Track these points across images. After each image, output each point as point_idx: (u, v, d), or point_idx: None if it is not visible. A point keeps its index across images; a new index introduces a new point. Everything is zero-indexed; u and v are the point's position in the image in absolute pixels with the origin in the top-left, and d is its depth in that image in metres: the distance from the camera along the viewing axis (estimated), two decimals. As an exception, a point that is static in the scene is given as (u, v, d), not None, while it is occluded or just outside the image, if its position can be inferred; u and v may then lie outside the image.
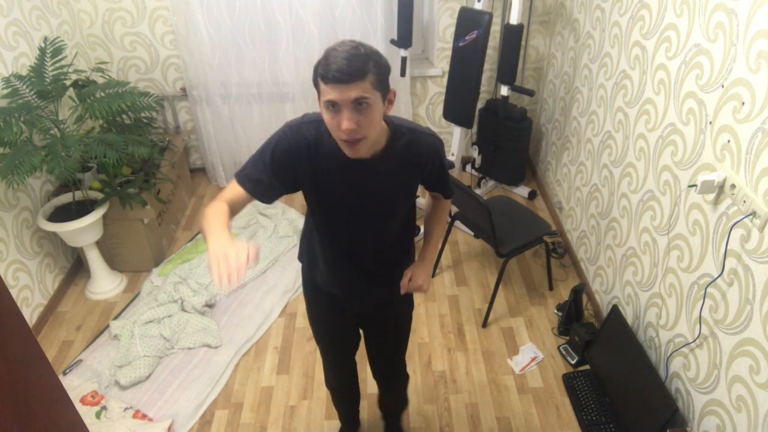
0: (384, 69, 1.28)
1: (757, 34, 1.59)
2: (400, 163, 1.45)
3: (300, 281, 3.02)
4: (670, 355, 2.11)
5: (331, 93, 1.23)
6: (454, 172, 3.39)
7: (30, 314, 2.74)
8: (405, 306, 1.84)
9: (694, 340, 1.95)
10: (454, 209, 3.40)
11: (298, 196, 3.73)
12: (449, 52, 3.52)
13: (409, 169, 1.49)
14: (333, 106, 1.25)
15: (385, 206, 1.53)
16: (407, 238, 1.72)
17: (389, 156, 1.42)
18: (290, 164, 1.41)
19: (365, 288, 1.69)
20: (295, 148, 1.40)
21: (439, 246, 1.91)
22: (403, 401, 2.20)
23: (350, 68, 1.20)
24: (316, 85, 1.29)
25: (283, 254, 3.20)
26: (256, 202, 3.55)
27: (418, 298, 2.93)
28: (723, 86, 1.76)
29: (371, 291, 1.70)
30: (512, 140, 3.48)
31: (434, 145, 1.50)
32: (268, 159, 1.41)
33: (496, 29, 3.45)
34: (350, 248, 1.59)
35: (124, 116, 2.86)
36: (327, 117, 1.29)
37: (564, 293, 2.95)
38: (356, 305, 1.77)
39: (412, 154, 1.46)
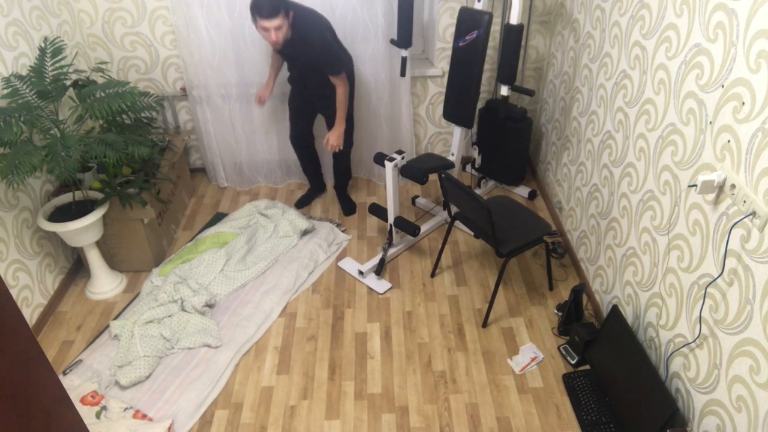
0: (287, 7, 2.63)
1: (757, 34, 1.59)
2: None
3: (299, 281, 3.03)
4: (670, 355, 2.11)
5: (264, 23, 2.59)
6: (454, 172, 3.39)
7: (30, 314, 2.74)
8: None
9: (694, 340, 1.95)
10: (455, 209, 3.40)
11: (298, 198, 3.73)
12: (449, 52, 3.52)
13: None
14: (265, 30, 2.62)
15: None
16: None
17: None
18: None
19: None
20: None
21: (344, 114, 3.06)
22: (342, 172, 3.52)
23: (273, 10, 2.55)
24: (254, 19, 2.61)
25: (283, 254, 3.20)
26: (257, 202, 3.56)
27: (417, 297, 2.94)
28: (723, 86, 1.76)
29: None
30: (512, 140, 3.48)
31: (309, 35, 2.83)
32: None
33: (496, 29, 3.45)
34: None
35: (124, 116, 2.86)
36: (262, 33, 2.67)
37: (564, 293, 2.95)
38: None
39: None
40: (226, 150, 3.70)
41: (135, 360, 2.54)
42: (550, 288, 2.97)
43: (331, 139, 3.08)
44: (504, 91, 3.07)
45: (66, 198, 2.85)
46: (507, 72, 2.98)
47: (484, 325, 2.77)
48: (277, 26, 2.59)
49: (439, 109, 3.75)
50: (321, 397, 2.46)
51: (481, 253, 3.23)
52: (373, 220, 3.52)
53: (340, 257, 3.23)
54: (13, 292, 2.64)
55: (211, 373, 2.54)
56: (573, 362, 2.55)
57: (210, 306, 2.88)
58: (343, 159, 3.45)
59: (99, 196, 2.87)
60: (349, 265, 3.15)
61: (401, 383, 2.51)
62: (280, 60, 3.17)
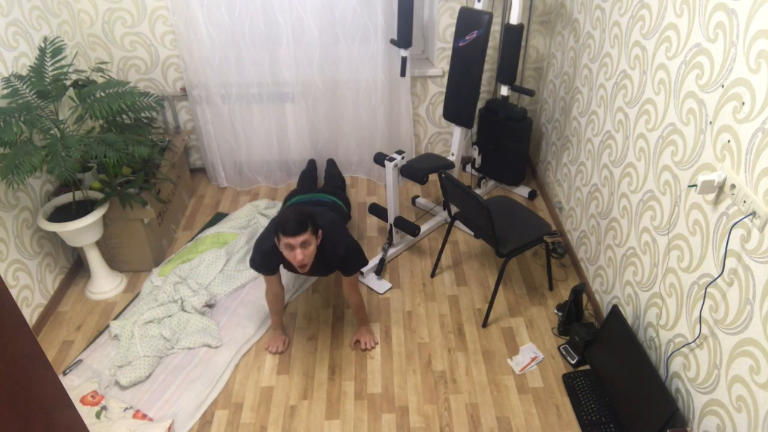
0: (316, 226, 2.20)
1: (757, 34, 1.59)
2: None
3: (299, 281, 3.03)
4: (670, 355, 2.11)
5: (289, 240, 2.12)
6: (454, 172, 3.39)
7: (30, 314, 2.74)
8: None
9: (694, 340, 1.95)
10: (455, 209, 3.40)
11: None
12: (449, 52, 3.52)
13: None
14: (290, 246, 2.15)
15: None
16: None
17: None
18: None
19: None
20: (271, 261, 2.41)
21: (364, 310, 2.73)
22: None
23: (300, 226, 2.11)
24: (278, 238, 2.17)
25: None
26: (257, 202, 3.57)
27: (417, 297, 2.94)
28: (723, 86, 1.76)
29: None
30: (512, 140, 3.48)
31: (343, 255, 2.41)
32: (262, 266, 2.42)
33: (496, 29, 3.45)
34: None
35: (124, 116, 2.86)
36: (286, 253, 2.18)
37: (564, 293, 2.95)
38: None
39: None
40: (226, 150, 3.70)
41: (135, 360, 2.54)
42: (550, 288, 2.97)
43: (366, 342, 2.66)
44: (504, 91, 3.07)
45: (66, 198, 2.85)
46: (507, 72, 2.98)
47: (484, 325, 2.77)
48: (303, 242, 2.13)
49: (439, 109, 3.75)
50: (321, 397, 2.46)
51: (481, 253, 3.23)
52: (373, 220, 3.52)
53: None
54: (13, 292, 2.63)
55: (211, 373, 2.54)
56: (573, 362, 2.55)
57: (210, 306, 2.88)
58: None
59: (99, 196, 2.87)
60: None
61: (401, 383, 2.51)
62: (280, 301, 2.61)
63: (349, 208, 3.02)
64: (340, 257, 2.39)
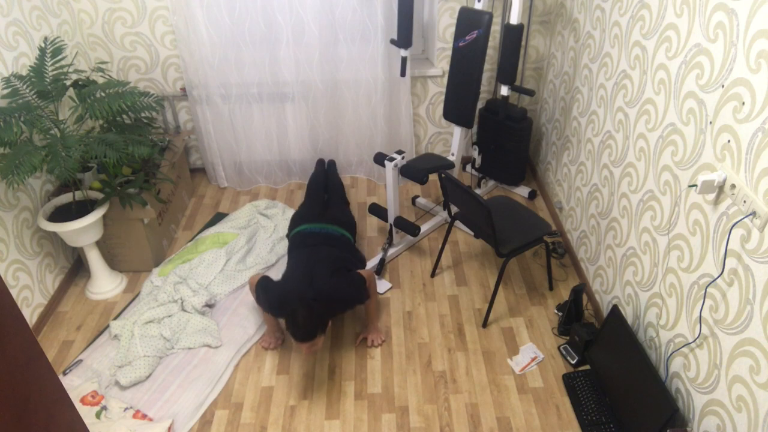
0: (325, 323, 2.31)
1: (757, 34, 1.59)
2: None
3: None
4: (670, 355, 2.11)
5: (298, 343, 2.28)
6: (454, 172, 3.39)
7: (30, 314, 2.74)
8: None
9: (694, 340, 1.95)
10: (455, 209, 3.40)
11: (298, 199, 3.74)
12: (449, 52, 3.52)
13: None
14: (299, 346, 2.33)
15: None
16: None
17: None
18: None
19: None
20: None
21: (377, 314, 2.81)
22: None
23: (308, 335, 2.23)
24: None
25: (283, 254, 3.20)
26: (257, 202, 3.57)
27: (417, 297, 2.94)
28: (723, 86, 1.76)
29: None
30: (512, 140, 3.48)
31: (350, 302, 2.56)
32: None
33: (496, 29, 3.45)
34: None
35: (124, 116, 2.86)
36: (296, 344, 2.57)
37: (564, 293, 2.95)
38: None
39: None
40: (226, 150, 3.70)
41: (135, 360, 2.54)
42: (550, 288, 2.97)
43: (374, 339, 2.69)
44: (504, 91, 3.07)
45: (66, 198, 2.85)
46: (507, 72, 2.98)
47: (484, 325, 2.77)
48: (311, 345, 2.29)
49: (439, 109, 3.75)
50: (321, 397, 2.46)
51: (481, 253, 3.23)
52: (373, 220, 3.52)
53: (340, 257, 3.23)
54: (13, 292, 2.63)
55: (211, 373, 2.54)
56: (573, 362, 2.55)
57: (210, 306, 2.88)
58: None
59: (99, 196, 2.87)
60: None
61: (401, 383, 2.51)
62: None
63: (354, 233, 3.02)
64: (349, 305, 2.57)
